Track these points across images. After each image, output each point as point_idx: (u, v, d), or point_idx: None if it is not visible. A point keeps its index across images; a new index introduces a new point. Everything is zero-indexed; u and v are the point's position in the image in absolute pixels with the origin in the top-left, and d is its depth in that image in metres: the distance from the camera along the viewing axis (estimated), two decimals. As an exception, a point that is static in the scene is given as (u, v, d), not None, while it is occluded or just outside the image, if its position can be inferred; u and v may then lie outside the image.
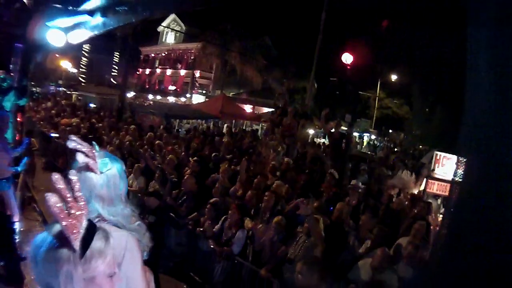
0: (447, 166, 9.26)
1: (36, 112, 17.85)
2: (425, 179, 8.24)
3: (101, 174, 1.93)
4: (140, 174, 8.57)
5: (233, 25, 34.90)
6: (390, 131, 30.85)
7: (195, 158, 9.03)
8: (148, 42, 47.20)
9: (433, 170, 9.37)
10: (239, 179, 7.53)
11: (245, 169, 7.78)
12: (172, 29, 45.42)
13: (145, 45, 47.65)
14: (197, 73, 42.55)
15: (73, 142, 1.84)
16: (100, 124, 13.89)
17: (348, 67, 12.75)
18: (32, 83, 24.79)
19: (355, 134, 27.88)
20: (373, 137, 28.93)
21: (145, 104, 31.19)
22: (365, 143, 27.58)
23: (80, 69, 48.22)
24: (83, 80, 44.89)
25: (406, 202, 7.73)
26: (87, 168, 1.87)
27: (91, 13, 6.55)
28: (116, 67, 42.24)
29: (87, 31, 7.07)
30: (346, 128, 24.86)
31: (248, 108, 29.63)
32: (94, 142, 2.00)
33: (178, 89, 42.71)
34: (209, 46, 37.77)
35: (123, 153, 9.96)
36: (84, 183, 1.85)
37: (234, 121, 24.53)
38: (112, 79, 42.24)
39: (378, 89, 31.15)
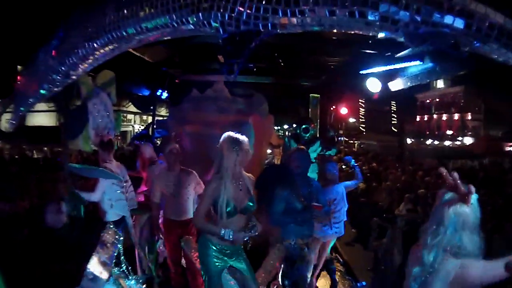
0: None
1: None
2: None
3: (471, 205, 2.10)
4: (409, 201, 11.98)
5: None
6: None
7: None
8: (421, 88, 47.70)
9: None
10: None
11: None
12: (440, 75, 46.11)
13: (420, 91, 48.51)
14: (469, 116, 43.26)
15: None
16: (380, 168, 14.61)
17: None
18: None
19: None
20: None
21: (422, 149, 33.69)
22: None
23: (360, 119, 50.22)
24: (363, 130, 47.04)
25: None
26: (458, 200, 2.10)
27: (418, 58, 5.91)
28: (395, 116, 44.92)
29: (406, 79, 6.77)
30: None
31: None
32: None
33: (455, 133, 43.67)
34: (471, 88, 38.35)
35: (397, 187, 13.30)
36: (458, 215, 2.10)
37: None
38: (392, 127, 45.64)
39: None
